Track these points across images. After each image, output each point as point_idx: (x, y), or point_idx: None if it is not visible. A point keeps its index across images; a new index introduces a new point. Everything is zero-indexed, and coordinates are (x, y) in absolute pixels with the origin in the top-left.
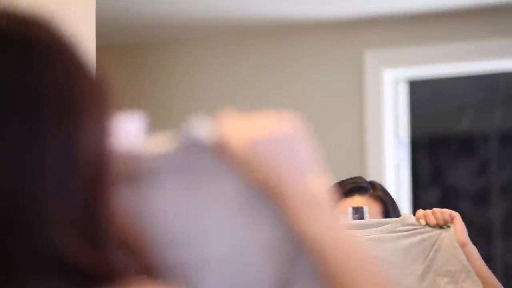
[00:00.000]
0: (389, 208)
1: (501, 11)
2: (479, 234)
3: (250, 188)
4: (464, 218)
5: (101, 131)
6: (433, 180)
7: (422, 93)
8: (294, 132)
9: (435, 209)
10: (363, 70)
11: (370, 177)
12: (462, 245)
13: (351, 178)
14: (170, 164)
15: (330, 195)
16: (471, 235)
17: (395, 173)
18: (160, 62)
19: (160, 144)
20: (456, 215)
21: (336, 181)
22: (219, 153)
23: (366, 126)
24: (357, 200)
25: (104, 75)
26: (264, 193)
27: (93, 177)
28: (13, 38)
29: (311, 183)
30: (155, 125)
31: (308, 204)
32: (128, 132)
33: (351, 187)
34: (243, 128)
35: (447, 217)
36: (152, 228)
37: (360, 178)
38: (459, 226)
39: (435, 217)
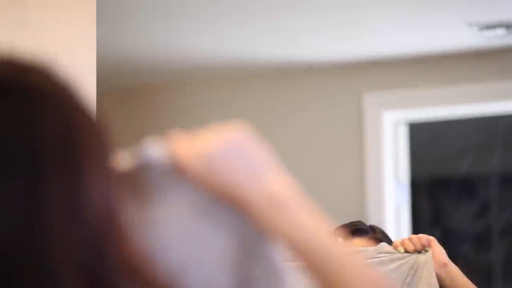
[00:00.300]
0: None
1: (499, 54)
2: (480, 276)
3: (204, 199)
4: (464, 260)
5: (104, 177)
6: (434, 222)
7: (422, 135)
8: (242, 139)
9: (411, 235)
10: (363, 113)
11: (370, 218)
12: (443, 266)
13: (351, 222)
14: (123, 182)
15: (294, 190)
16: (472, 277)
17: (395, 215)
18: (160, 106)
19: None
20: (432, 239)
21: (336, 223)
22: (172, 171)
23: (366, 168)
24: (357, 242)
25: (105, 120)
26: (222, 202)
27: (100, 225)
28: (11, 86)
29: (268, 183)
30: None
31: (269, 205)
32: None
33: (351, 230)
34: (192, 145)
35: (425, 242)
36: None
37: (360, 221)
38: (437, 249)
39: (412, 243)
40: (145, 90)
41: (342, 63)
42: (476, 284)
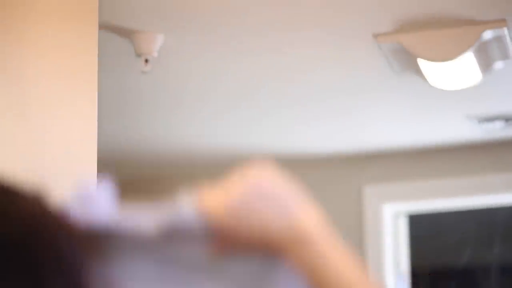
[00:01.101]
0: None
1: (498, 146)
2: None
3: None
4: None
5: None
6: None
7: (421, 227)
8: (267, 180)
9: None
10: (363, 205)
11: None
12: None
13: None
14: (151, 250)
15: (323, 225)
16: None
17: None
18: (159, 198)
19: (139, 220)
20: None
21: None
22: (207, 243)
23: (366, 259)
24: None
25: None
26: (252, 250)
27: None
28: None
29: (297, 221)
30: None
31: (298, 241)
32: (99, 203)
33: None
34: (219, 196)
35: None
36: None
37: None
38: None
39: None
40: (143, 181)
41: (342, 155)
42: None
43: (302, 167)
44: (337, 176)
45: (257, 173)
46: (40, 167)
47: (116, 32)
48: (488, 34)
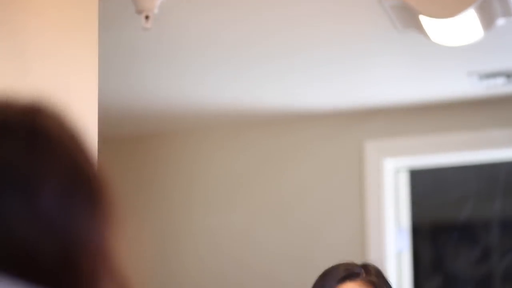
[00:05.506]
0: None
1: (499, 102)
2: None
3: None
4: None
5: (104, 218)
6: (435, 268)
7: (422, 182)
8: None
9: None
10: (364, 160)
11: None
12: None
13: (343, 265)
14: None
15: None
16: None
17: (397, 261)
18: (160, 154)
19: None
20: None
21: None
22: None
23: (367, 214)
24: (349, 286)
25: (104, 168)
26: None
27: (88, 268)
28: (16, 127)
29: None
30: (156, 216)
31: None
32: None
33: (343, 275)
34: None
35: None
36: None
37: (352, 263)
38: None
39: None
40: (146, 138)
41: (343, 111)
42: None
43: (303, 122)
44: (338, 131)
45: None
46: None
47: None
48: None
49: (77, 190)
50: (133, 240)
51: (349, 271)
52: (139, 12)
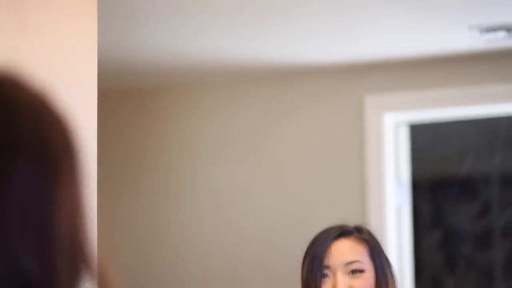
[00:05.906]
0: (374, 249)
1: (500, 56)
2: (481, 276)
3: None
4: (465, 260)
5: (74, 186)
6: (434, 223)
7: (422, 137)
8: None
9: None
10: (364, 115)
11: (371, 219)
12: None
13: (336, 226)
14: None
15: None
16: (473, 277)
17: (396, 216)
18: (157, 108)
19: None
20: None
21: (335, 224)
22: None
23: (367, 169)
24: (344, 242)
25: (76, 132)
26: None
27: (68, 235)
28: None
29: None
30: (154, 170)
31: None
32: None
33: (337, 233)
34: None
35: None
36: None
37: (344, 225)
38: None
39: None
40: (142, 92)
41: (343, 65)
42: (477, 283)
43: (303, 77)
44: (338, 85)
45: None
46: (39, 78)
47: None
48: None
49: (44, 168)
50: (132, 195)
51: (343, 230)
52: None
